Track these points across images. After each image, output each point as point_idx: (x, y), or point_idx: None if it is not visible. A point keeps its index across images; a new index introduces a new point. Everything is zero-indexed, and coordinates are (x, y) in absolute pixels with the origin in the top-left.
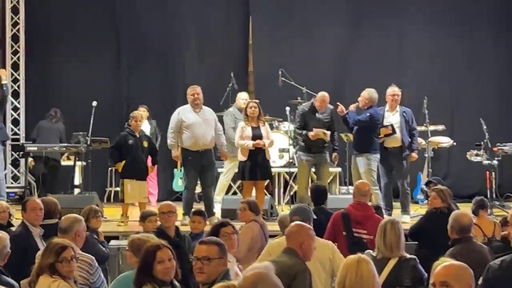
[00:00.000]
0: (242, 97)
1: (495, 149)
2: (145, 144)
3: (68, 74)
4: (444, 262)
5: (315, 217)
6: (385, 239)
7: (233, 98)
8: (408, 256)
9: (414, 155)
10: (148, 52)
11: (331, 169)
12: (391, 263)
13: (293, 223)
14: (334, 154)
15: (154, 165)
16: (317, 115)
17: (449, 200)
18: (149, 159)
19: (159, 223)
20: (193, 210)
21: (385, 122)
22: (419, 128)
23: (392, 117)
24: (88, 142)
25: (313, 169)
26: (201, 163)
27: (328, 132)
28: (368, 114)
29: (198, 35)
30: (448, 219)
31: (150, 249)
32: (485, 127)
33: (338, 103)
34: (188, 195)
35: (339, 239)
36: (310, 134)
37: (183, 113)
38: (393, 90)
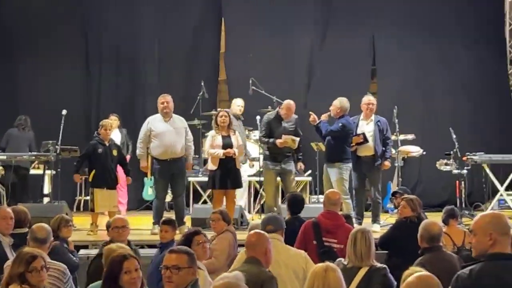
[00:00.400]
0: (238, 104)
1: (464, 158)
2: (115, 152)
3: (37, 83)
4: (412, 273)
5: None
6: (355, 248)
7: (204, 107)
8: (379, 265)
9: (387, 163)
10: (118, 60)
11: (301, 179)
12: (362, 272)
13: (251, 232)
14: (299, 164)
15: (128, 176)
16: (282, 123)
17: (419, 209)
18: (121, 170)
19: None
20: (162, 219)
21: (359, 131)
22: None
23: (366, 126)
24: (58, 151)
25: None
26: (171, 172)
27: (297, 139)
28: (340, 124)
29: (169, 43)
30: (418, 228)
31: (116, 259)
32: (454, 136)
33: (310, 112)
34: (158, 204)
35: (310, 248)
36: (278, 141)
37: (152, 122)
38: (368, 99)
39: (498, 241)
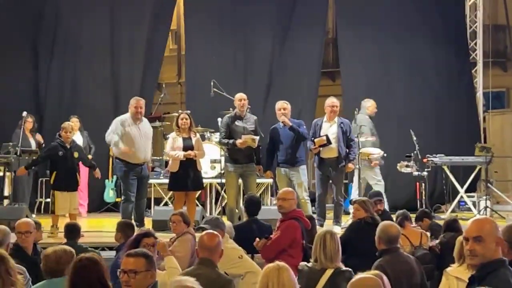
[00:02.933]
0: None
1: (425, 160)
2: (76, 155)
3: None
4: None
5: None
6: (325, 250)
7: (166, 109)
8: (344, 268)
9: (351, 165)
10: (79, 61)
11: (263, 180)
12: (327, 273)
13: (207, 234)
14: (259, 167)
15: (95, 170)
16: (241, 123)
17: (372, 210)
18: (82, 172)
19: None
20: (118, 221)
21: (322, 133)
22: None
23: (329, 128)
24: (18, 153)
25: (240, 180)
26: (138, 175)
27: (257, 137)
28: (304, 126)
29: (129, 44)
30: (372, 229)
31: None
32: (415, 138)
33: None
34: (129, 207)
35: (296, 249)
36: (238, 141)
37: (124, 124)
38: (332, 101)
39: (504, 246)
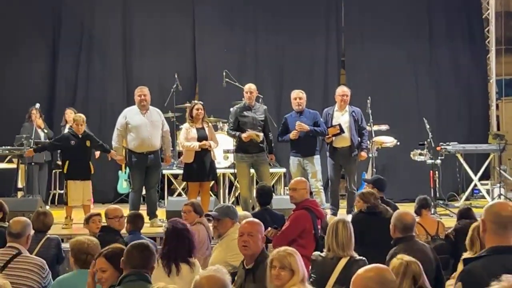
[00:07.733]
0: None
1: (438, 148)
2: (88, 143)
3: (5, 75)
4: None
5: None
6: (337, 238)
7: (177, 99)
8: (358, 257)
9: (364, 153)
10: (91, 52)
11: (276, 170)
12: (342, 262)
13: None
14: (271, 156)
15: (109, 152)
16: (250, 113)
17: (372, 200)
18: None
19: (102, 223)
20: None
21: (334, 122)
22: None
23: (341, 117)
24: (32, 145)
25: (252, 170)
26: (146, 165)
27: (261, 134)
28: (321, 119)
29: (143, 36)
30: (373, 218)
31: None
32: (428, 126)
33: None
34: (134, 197)
35: (307, 239)
36: (243, 136)
37: (129, 115)
38: (342, 90)
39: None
